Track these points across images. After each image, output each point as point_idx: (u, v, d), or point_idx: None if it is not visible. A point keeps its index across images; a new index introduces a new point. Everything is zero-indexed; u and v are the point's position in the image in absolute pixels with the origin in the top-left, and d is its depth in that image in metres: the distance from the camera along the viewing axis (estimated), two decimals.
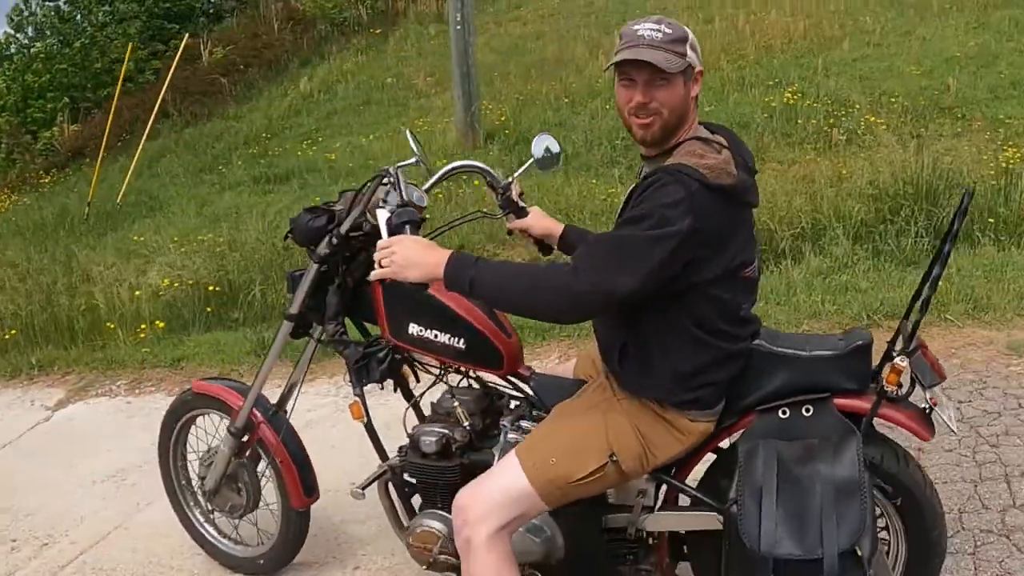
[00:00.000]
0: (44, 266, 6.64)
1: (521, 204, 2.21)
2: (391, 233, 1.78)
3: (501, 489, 1.74)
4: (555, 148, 2.18)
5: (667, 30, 1.68)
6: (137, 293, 5.20)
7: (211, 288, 5.01)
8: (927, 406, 1.76)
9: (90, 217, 9.07)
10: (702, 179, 1.61)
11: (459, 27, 7.90)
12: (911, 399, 1.79)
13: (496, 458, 1.96)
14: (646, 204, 1.61)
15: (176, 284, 5.07)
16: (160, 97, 10.45)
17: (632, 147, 7.02)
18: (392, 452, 2.19)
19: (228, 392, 2.50)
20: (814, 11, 9.94)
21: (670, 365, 1.73)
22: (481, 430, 2.07)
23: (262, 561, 2.63)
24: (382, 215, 1.83)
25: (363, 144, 9.48)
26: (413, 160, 2.20)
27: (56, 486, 3.35)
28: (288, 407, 2.41)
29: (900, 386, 1.76)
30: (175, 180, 9.82)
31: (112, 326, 4.80)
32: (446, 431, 2.02)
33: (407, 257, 1.71)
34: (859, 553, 1.62)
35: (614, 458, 1.74)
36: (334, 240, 2.07)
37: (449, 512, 1.94)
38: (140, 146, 10.01)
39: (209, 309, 4.90)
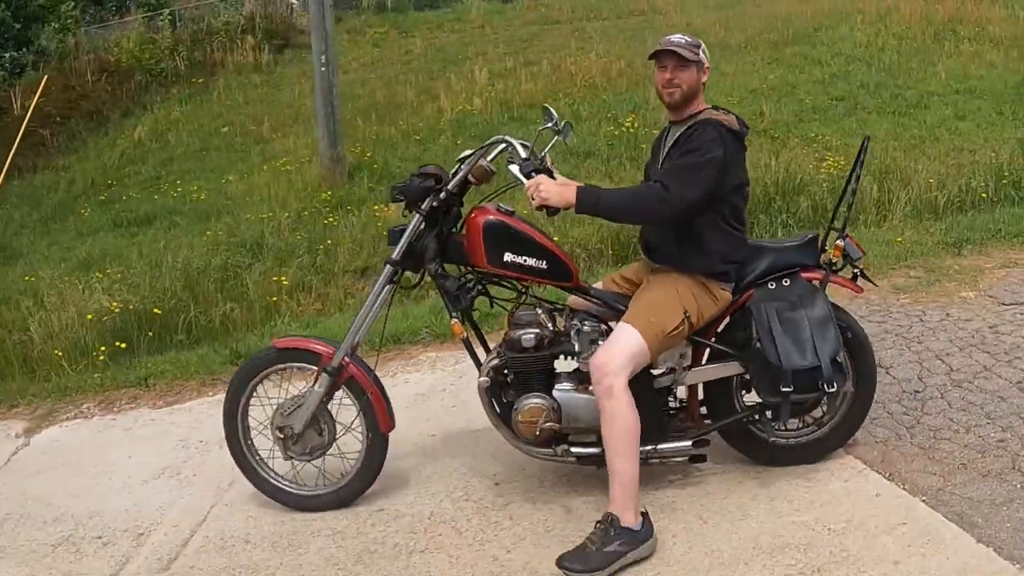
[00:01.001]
0: None
1: (555, 173, 2.96)
2: (527, 178, 2.56)
3: (626, 348, 2.59)
4: (560, 121, 2.87)
5: (687, 39, 2.71)
6: (67, 320, 5.31)
7: (155, 311, 5.26)
8: (855, 273, 2.85)
9: None
10: (727, 126, 2.63)
11: (323, 68, 8.52)
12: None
13: (576, 345, 2.77)
14: (695, 141, 2.59)
15: (117, 307, 5.24)
16: None
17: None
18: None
19: (314, 343, 3.06)
20: (625, 53, 11.53)
21: (712, 247, 2.70)
22: (545, 329, 2.84)
23: (338, 491, 3.07)
24: (514, 168, 2.60)
25: (221, 186, 9.72)
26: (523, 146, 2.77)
27: (98, 492, 3.36)
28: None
29: (837, 262, 2.81)
30: (20, 231, 9.52)
31: (59, 354, 4.91)
32: (538, 331, 2.79)
33: (548, 190, 2.53)
34: (839, 360, 2.60)
35: (687, 315, 2.68)
36: (441, 195, 2.78)
37: (545, 393, 2.71)
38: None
39: (151, 333, 5.16)
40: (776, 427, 2.93)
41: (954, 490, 2.76)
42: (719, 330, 2.90)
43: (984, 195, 6.28)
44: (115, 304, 5.28)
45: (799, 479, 2.91)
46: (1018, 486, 2.76)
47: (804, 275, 2.82)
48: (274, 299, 5.63)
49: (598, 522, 2.58)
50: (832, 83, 10.26)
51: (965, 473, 2.86)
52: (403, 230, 2.85)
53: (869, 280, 3.01)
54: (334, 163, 8.70)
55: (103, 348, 4.88)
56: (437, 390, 4.02)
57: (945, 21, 11.36)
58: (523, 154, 2.68)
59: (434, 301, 4.88)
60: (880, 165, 7.00)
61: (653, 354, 2.65)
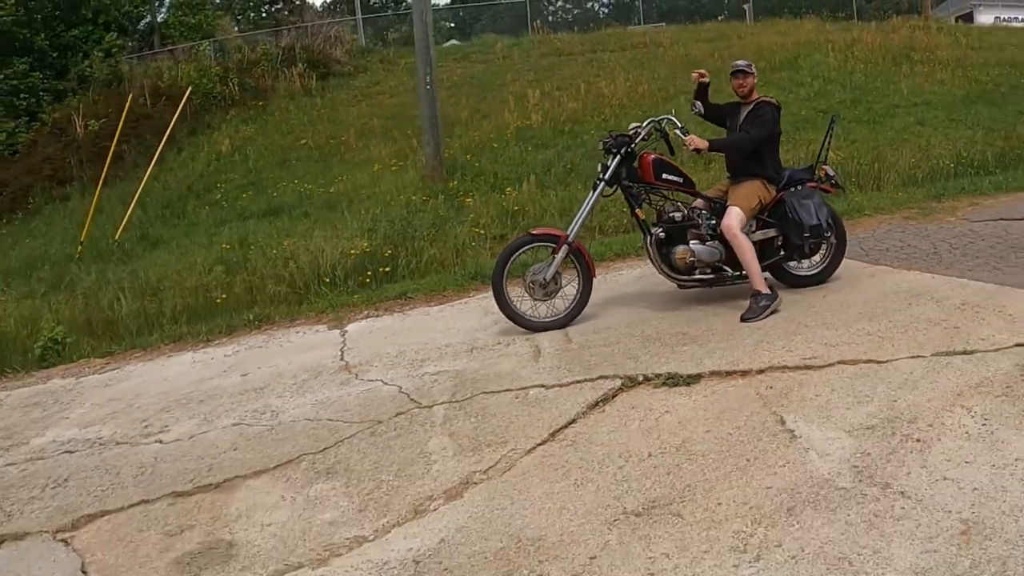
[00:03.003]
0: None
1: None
2: (685, 135, 4.83)
3: (737, 216, 4.87)
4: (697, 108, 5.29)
5: (745, 62, 5.11)
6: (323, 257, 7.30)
7: (387, 253, 7.29)
8: (834, 184, 5.23)
9: (83, 256, 10.38)
10: (776, 104, 5.00)
11: (428, 87, 10.58)
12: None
13: (704, 220, 5.02)
14: (763, 112, 5.00)
15: (355, 251, 7.24)
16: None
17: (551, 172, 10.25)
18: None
19: (554, 230, 5.25)
20: (643, 78, 13.86)
21: (770, 163, 5.03)
22: (687, 214, 5.07)
23: (564, 316, 5.12)
24: (679, 132, 4.86)
25: (325, 186, 11.65)
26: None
27: (441, 338, 5.31)
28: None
29: (822, 177, 5.16)
30: (143, 225, 11.33)
31: (328, 280, 6.90)
32: (681, 213, 5.05)
33: (697, 141, 4.84)
34: (829, 223, 4.99)
35: (760, 199, 4.96)
36: (632, 145, 5.00)
37: (686, 244, 4.97)
38: (139, 188, 11.41)
39: (385, 269, 7.18)
40: (797, 263, 5.25)
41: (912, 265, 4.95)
42: (766, 215, 5.16)
43: (951, 168, 8.66)
44: (356, 248, 7.25)
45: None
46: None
47: (808, 184, 5.14)
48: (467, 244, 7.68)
49: (751, 297, 4.79)
50: (815, 100, 12.68)
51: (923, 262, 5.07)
52: (609, 166, 5.07)
53: (840, 187, 5.52)
54: (438, 164, 10.72)
55: (369, 273, 6.86)
56: (632, 276, 6.16)
57: (901, 48, 13.96)
58: (679, 124, 4.97)
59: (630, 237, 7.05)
60: (870, 156, 9.38)
61: (746, 219, 4.93)
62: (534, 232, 5.31)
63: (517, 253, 5.15)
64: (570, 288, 5.19)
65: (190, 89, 14.20)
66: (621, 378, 3.98)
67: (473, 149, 11.81)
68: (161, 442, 4.25)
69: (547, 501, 2.91)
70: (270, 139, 14.78)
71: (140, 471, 3.91)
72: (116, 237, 10.58)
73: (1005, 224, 6.32)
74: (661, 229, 5.08)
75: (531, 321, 5.13)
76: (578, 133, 11.94)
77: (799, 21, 17.80)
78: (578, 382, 4.02)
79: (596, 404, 3.73)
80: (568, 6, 42.65)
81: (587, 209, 5.19)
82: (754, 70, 5.20)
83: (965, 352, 3.70)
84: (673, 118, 5.13)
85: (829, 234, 5.09)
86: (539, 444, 3.40)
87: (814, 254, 5.26)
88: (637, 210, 5.18)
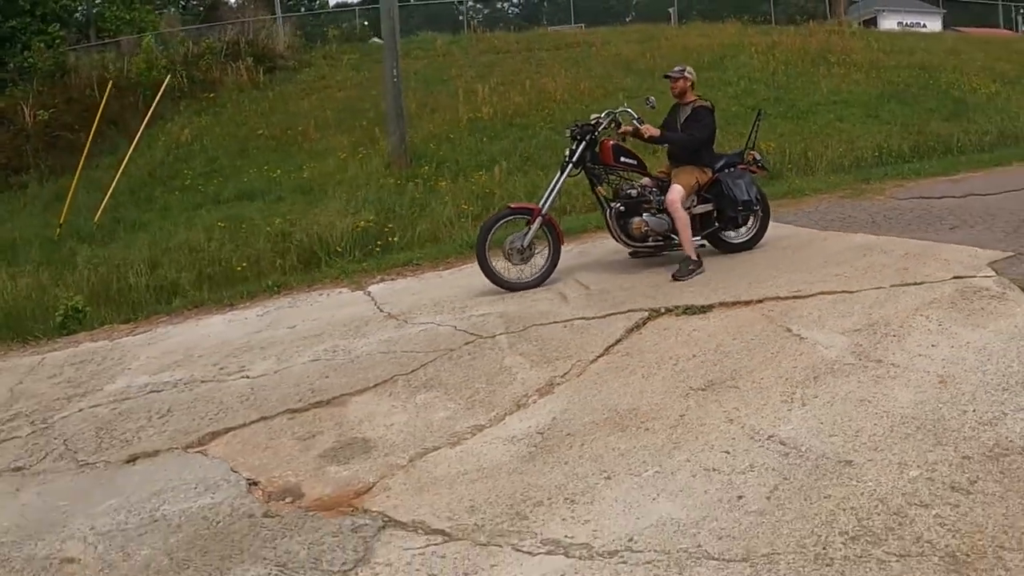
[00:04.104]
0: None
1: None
2: (640, 124, 5.86)
3: (678, 193, 5.83)
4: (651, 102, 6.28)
5: (678, 67, 6.21)
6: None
7: (388, 227, 8.02)
8: (760, 166, 6.32)
9: (62, 237, 10.67)
10: (710, 107, 6.07)
11: (395, 80, 11.30)
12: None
13: (655, 196, 5.99)
14: (701, 117, 6.01)
15: (362, 224, 7.96)
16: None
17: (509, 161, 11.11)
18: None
19: (529, 205, 6.13)
20: (586, 76, 14.88)
21: (706, 154, 6.06)
22: (640, 191, 6.04)
23: (537, 278, 5.90)
24: (636, 122, 5.88)
25: (296, 173, 12.20)
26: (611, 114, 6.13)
27: (468, 298, 6.31)
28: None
29: (751, 162, 6.25)
30: (120, 209, 11.63)
31: (340, 249, 7.59)
32: (635, 190, 6.01)
33: (651, 130, 5.89)
34: (757, 198, 6.06)
35: (697, 179, 5.98)
36: (595, 133, 5.95)
37: (640, 216, 5.94)
38: (119, 171, 11.69)
39: (392, 239, 7.92)
40: (731, 232, 6.26)
41: (856, 230, 6.09)
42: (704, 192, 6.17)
43: (874, 157, 9.97)
44: (364, 221, 7.96)
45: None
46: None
47: (739, 166, 6.17)
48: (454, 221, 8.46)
49: (681, 262, 5.76)
50: (743, 97, 13.93)
51: (865, 228, 6.19)
52: (576, 150, 6.00)
53: (766, 169, 6.63)
54: (403, 152, 11.44)
55: (379, 243, 7.58)
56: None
57: (818, 51, 15.43)
58: (635, 115, 5.96)
59: (573, 221, 7.91)
60: (800, 146, 10.63)
61: (687, 196, 5.93)
62: (512, 206, 6.24)
63: (498, 223, 6.00)
64: (540, 258, 6.01)
65: (167, 78, 14.48)
66: (646, 311, 4.88)
67: (431, 139, 12.56)
68: (248, 377, 4.90)
69: (626, 388, 3.78)
70: (226, 129, 15.11)
71: (242, 399, 4.57)
72: (95, 219, 10.87)
73: (927, 202, 7.53)
74: (620, 204, 5.99)
75: (509, 282, 5.92)
76: (527, 126, 12.85)
77: (722, 24, 19.17)
78: (611, 315, 4.90)
79: (633, 328, 4.63)
80: (479, 6, 43.60)
81: (556, 187, 6.09)
82: (688, 74, 6.12)
83: (915, 283, 4.76)
84: (629, 110, 6.11)
85: (757, 208, 6.16)
86: (599, 356, 4.26)
87: (745, 224, 6.30)
88: (598, 187, 6.09)
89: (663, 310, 4.86)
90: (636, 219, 5.95)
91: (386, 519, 2.98)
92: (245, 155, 13.88)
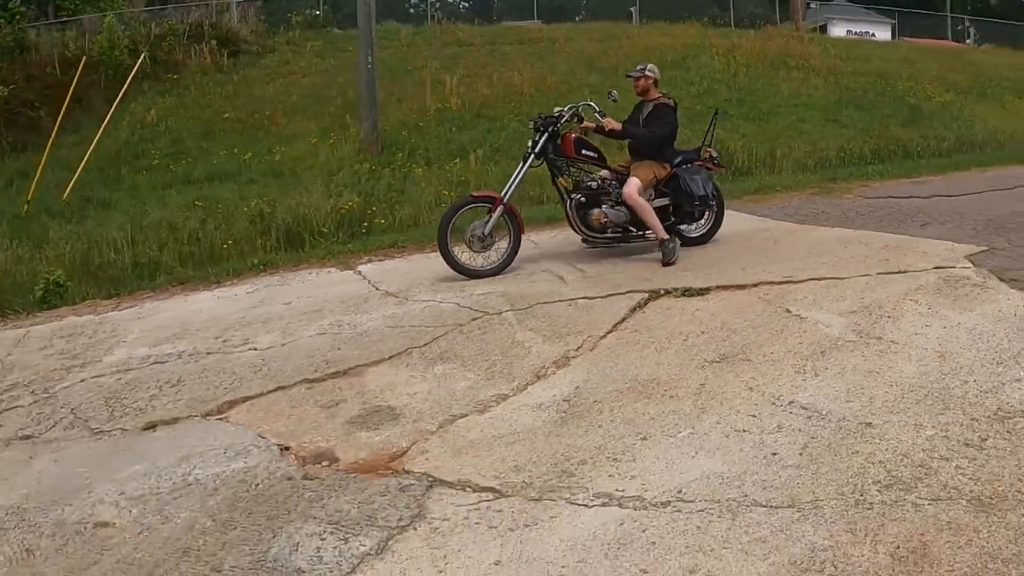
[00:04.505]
0: None
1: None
2: (603, 118, 6.10)
3: (636, 185, 6.03)
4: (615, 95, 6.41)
5: (640, 66, 6.38)
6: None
7: (372, 209, 8.08)
8: (716, 163, 6.60)
9: (30, 214, 10.47)
10: (672, 104, 6.29)
11: (369, 67, 11.34)
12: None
13: (613, 188, 6.18)
14: (663, 115, 6.21)
15: (346, 207, 8.01)
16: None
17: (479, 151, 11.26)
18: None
19: (492, 193, 6.28)
20: (553, 71, 15.08)
21: (667, 150, 6.26)
22: (600, 183, 6.24)
23: (497, 266, 5.98)
24: (598, 115, 6.10)
25: (265, 156, 12.14)
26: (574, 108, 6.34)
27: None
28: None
29: (707, 159, 6.51)
30: (88, 187, 11.43)
31: (326, 230, 7.64)
32: (596, 182, 6.21)
33: (613, 124, 6.10)
34: (712, 194, 6.31)
35: (655, 173, 6.21)
36: (557, 125, 6.13)
37: (600, 207, 6.14)
38: (90, 148, 11.47)
39: (377, 221, 7.98)
40: (687, 226, 6.44)
41: (832, 224, 6.41)
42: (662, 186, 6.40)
43: (837, 158, 10.39)
44: (346, 205, 8.02)
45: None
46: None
47: (696, 163, 6.41)
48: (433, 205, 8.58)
49: (659, 247, 5.99)
50: (704, 97, 14.29)
51: (840, 223, 6.52)
52: (538, 141, 6.16)
53: (721, 166, 6.84)
54: (375, 139, 11.49)
55: (365, 224, 7.65)
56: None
57: (778, 55, 15.92)
58: (597, 109, 6.19)
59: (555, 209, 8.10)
60: (765, 146, 11.01)
61: (644, 189, 6.15)
62: (474, 195, 6.39)
63: (460, 211, 6.12)
64: (501, 245, 6.13)
65: (143, 57, 14.27)
66: (646, 292, 5.09)
67: (402, 128, 12.62)
68: (256, 349, 4.96)
69: (643, 360, 3.97)
70: (190, 112, 14.91)
71: (255, 369, 4.63)
72: (64, 197, 10.67)
73: (895, 200, 7.93)
74: (580, 195, 6.12)
75: (469, 269, 6.00)
76: (495, 118, 13.01)
77: (683, 25, 19.60)
78: (613, 295, 5.10)
79: (636, 308, 4.83)
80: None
81: (519, 177, 6.23)
82: (649, 72, 6.27)
83: (900, 272, 5.07)
84: (592, 104, 6.33)
85: (713, 203, 6.36)
86: (608, 332, 4.45)
87: (701, 219, 6.51)
88: (559, 179, 6.24)
89: (662, 291, 5.07)
90: (596, 210, 6.09)
91: (431, 479, 3.11)
92: (211, 137, 13.73)
